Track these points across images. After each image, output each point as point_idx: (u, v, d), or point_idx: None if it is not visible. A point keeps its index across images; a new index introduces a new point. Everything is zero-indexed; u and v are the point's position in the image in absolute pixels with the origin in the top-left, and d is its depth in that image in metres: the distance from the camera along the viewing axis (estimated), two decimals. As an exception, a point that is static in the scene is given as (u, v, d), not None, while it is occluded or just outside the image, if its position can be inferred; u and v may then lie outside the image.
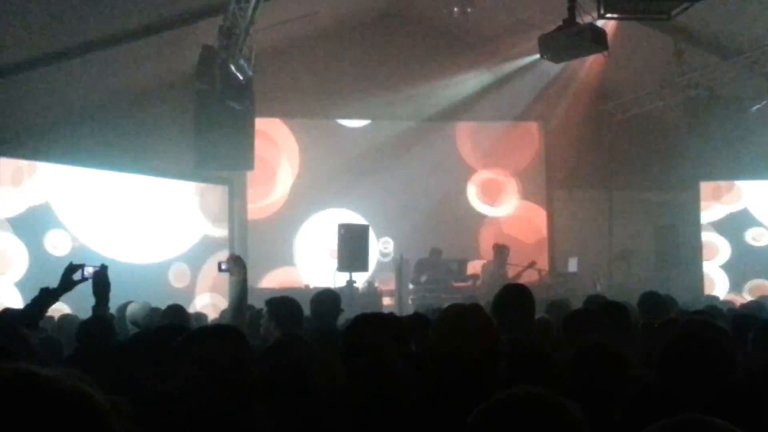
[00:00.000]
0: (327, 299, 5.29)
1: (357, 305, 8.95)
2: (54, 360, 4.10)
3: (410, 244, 12.34)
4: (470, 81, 13.01)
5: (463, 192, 13.69)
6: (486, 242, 13.09)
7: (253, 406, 2.46)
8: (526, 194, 13.89)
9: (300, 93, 12.49)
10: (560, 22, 7.97)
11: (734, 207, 12.87)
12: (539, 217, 13.88)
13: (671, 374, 2.59)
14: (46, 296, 4.48)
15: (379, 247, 12.78)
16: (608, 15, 7.30)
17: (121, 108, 11.31)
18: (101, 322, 4.49)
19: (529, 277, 11.57)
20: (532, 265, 11.74)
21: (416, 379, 2.87)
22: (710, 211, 12.93)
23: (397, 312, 9.25)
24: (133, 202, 10.91)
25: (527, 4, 11.09)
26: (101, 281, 4.69)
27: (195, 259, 11.53)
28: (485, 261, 12.06)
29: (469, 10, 11.29)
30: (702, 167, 12.40)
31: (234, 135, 9.43)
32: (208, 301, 11.21)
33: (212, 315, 8.30)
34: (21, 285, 9.26)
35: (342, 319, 5.28)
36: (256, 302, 5.48)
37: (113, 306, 5.10)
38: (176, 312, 5.53)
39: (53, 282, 4.56)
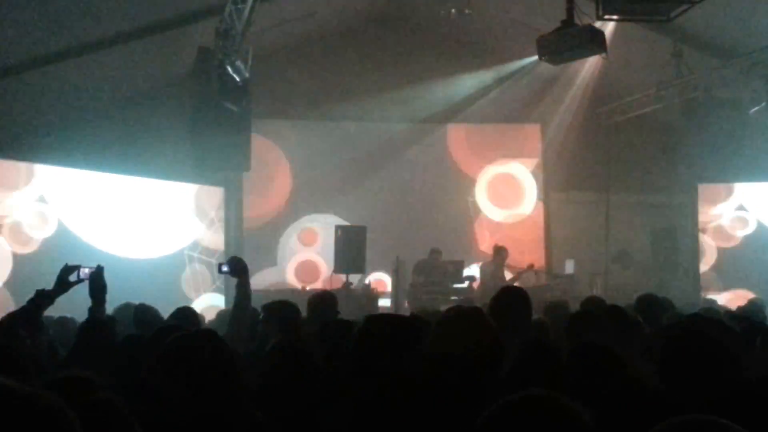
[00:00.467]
0: (323, 301, 5.26)
1: (353, 307, 8.93)
2: (51, 362, 4.08)
3: (407, 245, 12.31)
4: (468, 83, 13.01)
5: (460, 193, 13.67)
6: (483, 244, 13.09)
7: (246, 408, 2.44)
8: (524, 196, 13.88)
9: (297, 95, 12.50)
10: (558, 24, 7.96)
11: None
12: (537, 218, 13.87)
13: (674, 372, 2.58)
14: (42, 298, 4.44)
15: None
16: (607, 16, 7.30)
17: (118, 109, 11.29)
18: (99, 324, 4.46)
19: (526, 279, 11.58)
20: (529, 268, 11.74)
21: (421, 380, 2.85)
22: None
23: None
24: (130, 203, 10.90)
25: (525, 5, 11.08)
26: (97, 282, 4.65)
27: (192, 260, 11.52)
28: (482, 263, 12.05)
29: (466, 11, 11.28)
30: (700, 170, 12.39)
31: (230, 136, 9.41)
32: (206, 303, 11.18)
33: (209, 316, 8.26)
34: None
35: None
36: (253, 303, 5.44)
37: (114, 307, 5.07)
38: (186, 315, 5.24)
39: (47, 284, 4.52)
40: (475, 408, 2.47)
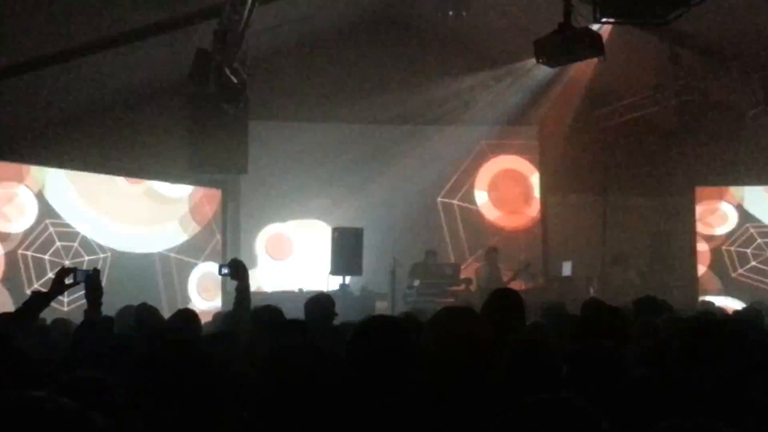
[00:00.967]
0: (321, 303, 5.26)
1: (350, 309, 8.93)
2: (47, 363, 4.06)
3: (404, 247, 12.32)
4: (465, 85, 13.01)
5: (457, 195, 13.68)
6: (480, 245, 13.09)
7: (232, 409, 2.44)
8: (520, 197, 13.88)
9: (294, 97, 12.50)
10: (556, 27, 7.96)
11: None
12: (534, 220, 13.87)
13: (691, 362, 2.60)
14: (38, 300, 4.44)
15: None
16: (604, 19, 7.30)
17: (116, 111, 11.29)
18: (95, 325, 4.46)
19: (523, 282, 11.59)
20: (526, 267, 11.76)
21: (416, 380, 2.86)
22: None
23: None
24: (128, 204, 10.89)
25: (523, 8, 11.08)
26: (93, 285, 4.65)
27: (190, 261, 11.50)
28: (478, 265, 12.06)
29: (464, 14, 11.29)
30: (697, 172, 12.42)
31: (228, 138, 9.41)
32: (203, 304, 11.17)
33: (206, 318, 8.25)
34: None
35: (336, 322, 5.26)
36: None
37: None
38: (185, 317, 5.04)
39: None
40: (470, 406, 2.48)
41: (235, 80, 8.96)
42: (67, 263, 9.41)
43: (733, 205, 12.87)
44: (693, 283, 12.69)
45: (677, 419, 1.32)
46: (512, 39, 11.56)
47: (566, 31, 7.85)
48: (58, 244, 9.99)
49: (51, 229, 9.99)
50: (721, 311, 8.16)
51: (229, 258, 6.34)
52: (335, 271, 11.16)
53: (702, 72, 11.09)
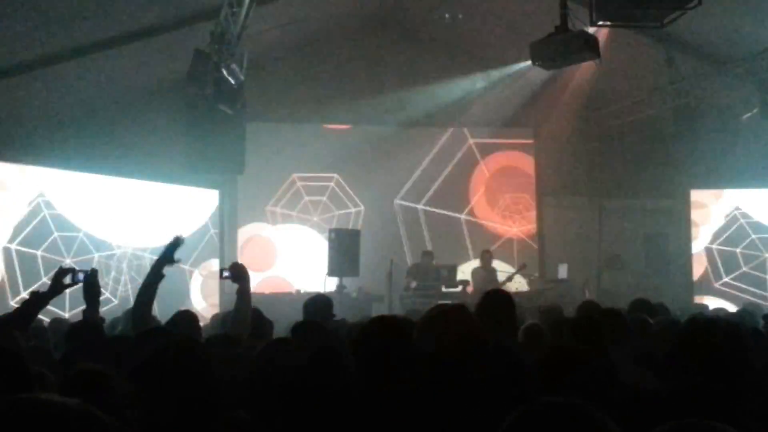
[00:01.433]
0: (319, 304, 5.28)
1: (347, 310, 8.94)
2: (43, 364, 4.07)
3: (402, 248, 12.34)
4: (461, 87, 13.03)
5: (454, 196, 13.70)
6: (477, 246, 13.11)
7: (228, 409, 2.46)
8: (517, 200, 13.90)
9: (292, 98, 12.50)
10: (552, 29, 7.99)
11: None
12: (529, 222, 13.90)
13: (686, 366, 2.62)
14: (37, 300, 4.46)
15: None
16: (600, 22, 7.33)
17: (113, 112, 11.27)
18: (88, 325, 4.48)
19: (519, 285, 11.62)
20: (522, 268, 11.79)
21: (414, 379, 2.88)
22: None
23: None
24: (126, 205, 10.90)
25: (518, 10, 11.11)
26: (91, 285, 4.67)
27: (187, 262, 11.50)
28: (474, 267, 12.08)
29: (459, 16, 11.31)
30: (692, 175, 12.45)
31: (225, 139, 9.41)
32: (201, 306, 11.18)
33: (203, 321, 8.26)
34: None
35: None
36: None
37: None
38: (185, 318, 5.04)
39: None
40: (464, 404, 2.50)
41: (232, 81, 8.96)
42: (68, 261, 9.44)
43: (729, 208, 12.92)
44: (688, 286, 12.73)
45: (672, 422, 1.33)
46: (508, 41, 11.58)
47: (562, 34, 7.88)
48: (57, 236, 10.00)
49: (53, 229, 10.01)
50: (715, 314, 8.19)
51: (226, 259, 6.37)
52: (332, 272, 11.17)
53: (697, 75, 11.13)
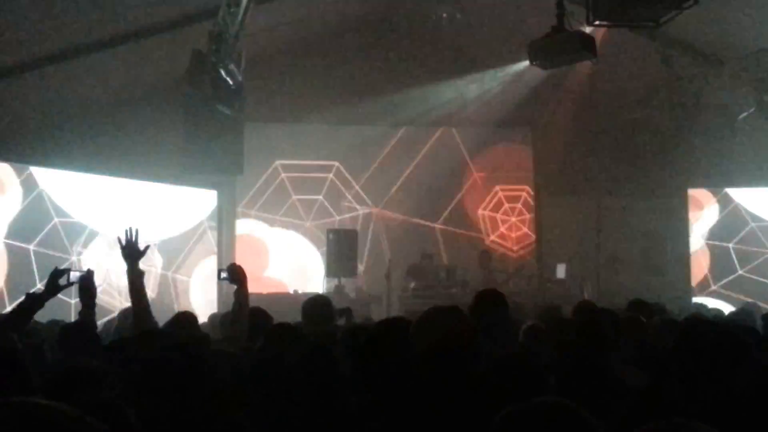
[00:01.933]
0: (319, 304, 5.26)
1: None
2: (39, 365, 4.07)
3: (400, 249, 12.34)
4: (459, 86, 13.04)
5: (452, 196, 13.70)
6: (475, 248, 13.11)
7: (225, 411, 2.46)
8: (515, 200, 13.91)
9: (290, 98, 12.49)
10: (549, 29, 8.00)
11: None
12: (528, 222, 13.91)
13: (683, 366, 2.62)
14: (32, 301, 4.44)
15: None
16: (597, 22, 7.32)
17: (111, 112, 11.27)
18: (83, 326, 4.48)
19: (518, 285, 11.61)
20: (520, 268, 11.79)
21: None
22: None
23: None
24: (125, 205, 10.90)
25: (516, 10, 11.11)
26: (87, 286, 4.66)
27: (186, 262, 11.51)
28: (472, 268, 12.07)
29: (458, 16, 11.31)
30: (690, 174, 12.46)
31: (223, 139, 9.41)
32: (199, 306, 11.18)
33: (201, 319, 8.26)
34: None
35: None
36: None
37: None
38: (185, 320, 5.07)
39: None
40: (458, 401, 2.50)
41: (230, 81, 8.97)
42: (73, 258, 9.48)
43: (727, 207, 12.92)
44: (686, 285, 12.73)
45: (661, 421, 1.33)
46: (506, 41, 11.59)
47: (559, 34, 7.89)
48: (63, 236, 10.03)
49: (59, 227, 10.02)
50: (714, 313, 8.19)
51: (224, 259, 6.37)
52: (330, 272, 11.18)
53: (694, 75, 11.14)
